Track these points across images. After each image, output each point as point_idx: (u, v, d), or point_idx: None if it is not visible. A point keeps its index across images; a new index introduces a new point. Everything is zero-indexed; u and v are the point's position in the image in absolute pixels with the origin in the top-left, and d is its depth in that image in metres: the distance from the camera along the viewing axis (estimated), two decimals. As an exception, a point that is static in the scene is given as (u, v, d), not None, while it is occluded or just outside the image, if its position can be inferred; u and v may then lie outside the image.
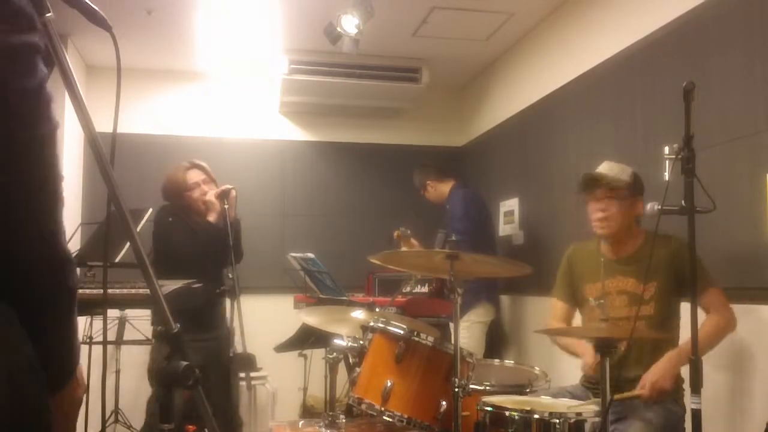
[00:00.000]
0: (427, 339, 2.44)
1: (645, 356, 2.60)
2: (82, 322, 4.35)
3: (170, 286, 2.09)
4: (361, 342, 2.70)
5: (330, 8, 3.97)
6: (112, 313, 4.53)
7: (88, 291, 2.00)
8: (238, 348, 3.32)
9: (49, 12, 0.99)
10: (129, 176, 4.50)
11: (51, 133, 0.92)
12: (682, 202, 2.11)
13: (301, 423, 3.15)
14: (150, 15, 4.37)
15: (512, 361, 3.39)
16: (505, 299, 4.88)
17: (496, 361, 3.25)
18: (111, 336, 4.58)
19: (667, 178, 2.10)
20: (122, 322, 4.64)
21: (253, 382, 4.60)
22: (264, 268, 4.96)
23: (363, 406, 2.44)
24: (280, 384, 4.98)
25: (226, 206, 3.48)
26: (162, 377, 1.08)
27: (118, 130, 1.22)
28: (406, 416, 2.35)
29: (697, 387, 2.04)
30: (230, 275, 3.30)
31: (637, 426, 2.46)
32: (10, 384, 0.88)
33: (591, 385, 2.74)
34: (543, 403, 2.35)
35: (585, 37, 4.01)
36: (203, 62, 5.28)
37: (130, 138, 4.95)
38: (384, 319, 2.59)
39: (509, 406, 2.21)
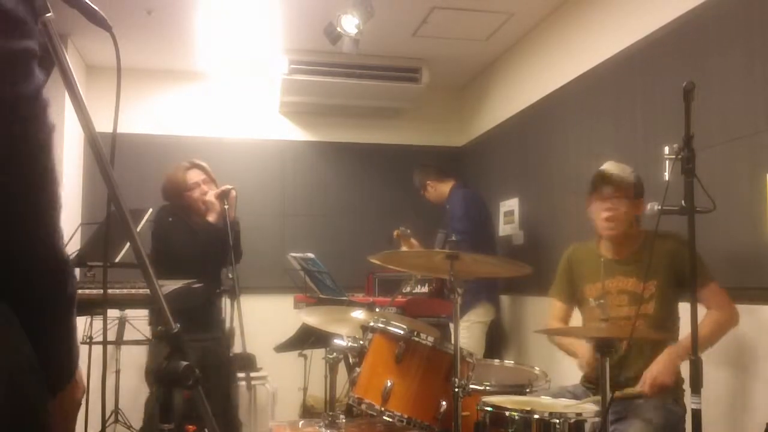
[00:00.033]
0: (427, 339, 2.43)
1: (645, 354, 2.60)
2: (82, 322, 4.35)
3: (170, 286, 2.09)
4: (361, 342, 2.70)
5: (330, 8, 3.97)
6: (112, 313, 4.52)
7: (88, 291, 2.00)
8: (238, 348, 3.32)
9: (49, 12, 0.99)
10: (129, 176, 4.50)
11: (48, 137, 0.92)
12: (682, 202, 2.11)
13: (301, 423, 3.15)
14: (150, 15, 4.37)
15: (512, 361, 3.39)
16: (505, 299, 4.88)
17: (496, 361, 3.25)
18: (111, 336, 4.57)
19: (667, 178, 2.10)
20: (122, 322, 4.64)
21: (253, 382, 4.60)
22: (264, 268, 4.96)
23: (363, 406, 2.44)
24: (280, 384, 4.98)
25: (226, 206, 3.49)
26: (162, 377, 1.08)
27: (118, 130, 1.22)
28: (406, 416, 2.35)
29: (697, 387, 2.04)
30: (230, 275, 3.30)
31: (637, 426, 2.46)
32: (10, 384, 0.88)
33: (591, 386, 2.74)
34: (543, 403, 2.35)
35: (585, 37, 4.01)
36: (203, 62, 5.28)
37: (130, 138, 4.95)
38: (384, 319, 2.59)
39: (509, 406, 2.21)
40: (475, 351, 3.66)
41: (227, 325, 3.42)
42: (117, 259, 2.50)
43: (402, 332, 2.46)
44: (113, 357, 4.84)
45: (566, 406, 2.28)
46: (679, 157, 2.10)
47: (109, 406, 4.65)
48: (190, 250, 3.40)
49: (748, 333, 2.74)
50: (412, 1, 4.23)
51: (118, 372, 4.77)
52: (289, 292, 4.65)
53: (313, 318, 3.05)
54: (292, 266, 4.30)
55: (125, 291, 2.09)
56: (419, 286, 4.46)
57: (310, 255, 4.15)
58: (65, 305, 0.98)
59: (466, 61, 5.30)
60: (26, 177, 0.90)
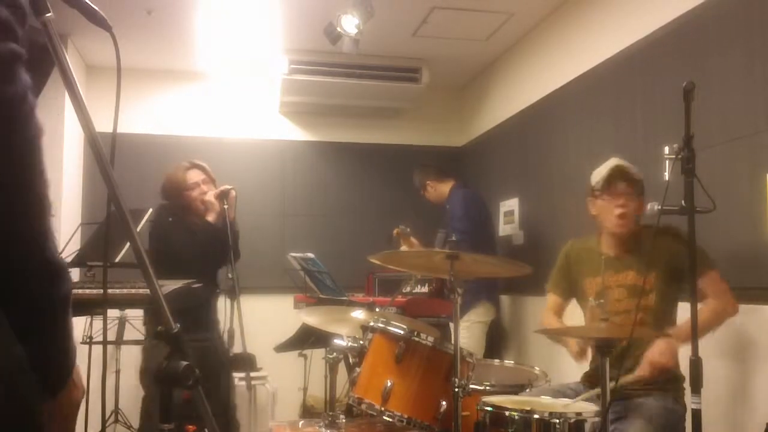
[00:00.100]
0: (427, 339, 2.43)
1: (644, 346, 2.59)
2: (82, 322, 4.35)
3: (170, 286, 2.09)
4: (361, 342, 2.70)
5: (330, 8, 3.97)
6: (112, 313, 4.52)
7: (88, 291, 2.00)
8: (238, 348, 3.32)
9: (49, 12, 0.99)
10: (129, 176, 4.50)
11: (35, 138, 0.92)
12: (682, 202, 2.11)
13: (301, 423, 3.15)
14: (150, 15, 4.37)
15: (512, 361, 3.39)
16: (505, 299, 4.88)
17: (496, 361, 3.25)
18: (111, 336, 4.57)
19: (667, 178, 2.10)
20: (122, 322, 4.64)
21: (253, 382, 4.59)
22: (264, 268, 4.96)
23: (363, 406, 2.44)
24: (280, 384, 4.98)
25: (225, 206, 3.49)
26: (162, 377, 1.08)
27: (118, 130, 1.22)
28: (406, 416, 2.35)
29: (697, 387, 2.04)
30: (230, 275, 3.30)
31: (638, 425, 2.46)
32: (5, 385, 0.88)
33: (591, 386, 2.74)
34: (543, 403, 2.35)
35: (585, 37, 4.01)
36: (203, 62, 5.28)
37: (130, 138, 4.95)
38: (384, 319, 2.59)
39: (509, 406, 2.21)
40: (475, 351, 3.66)
41: (227, 325, 3.42)
42: (117, 259, 2.50)
43: (402, 332, 2.46)
44: (113, 357, 4.84)
45: (566, 405, 2.28)
46: (679, 157, 2.10)
47: (109, 406, 4.65)
48: (190, 250, 3.40)
49: (749, 333, 2.74)
50: (412, 1, 4.23)
51: (118, 372, 4.77)
52: (289, 292, 4.65)
53: (313, 318, 3.05)
54: (292, 266, 4.30)
55: (125, 291, 2.09)
56: (419, 286, 4.46)
57: (310, 255, 4.15)
58: (58, 306, 0.98)
59: (466, 61, 5.30)
60: (13, 178, 0.90)
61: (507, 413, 2.18)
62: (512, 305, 4.88)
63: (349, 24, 3.90)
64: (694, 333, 2.07)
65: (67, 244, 3.35)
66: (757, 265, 2.68)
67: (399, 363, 2.41)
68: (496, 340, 4.74)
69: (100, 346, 4.24)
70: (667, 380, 2.61)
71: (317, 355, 3.99)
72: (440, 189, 4.71)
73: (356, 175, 5.73)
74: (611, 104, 3.71)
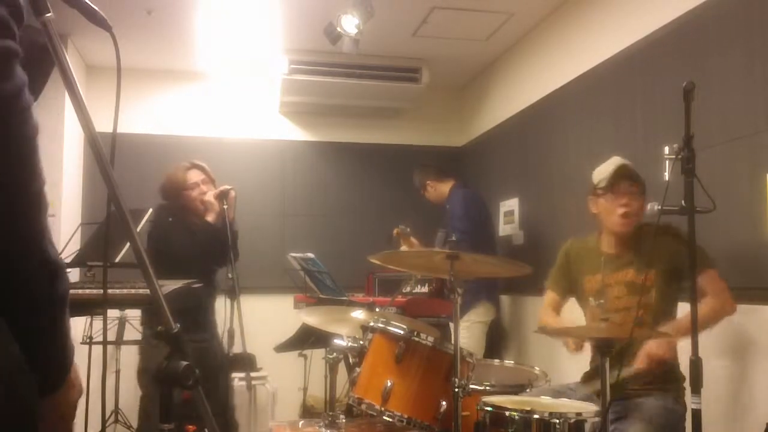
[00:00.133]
0: (427, 339, 2.43)
1: (643, 342, 2.59)
2: (82, 322, 4.35)
3: (170, 286, 2.09)
4: (361, 342, 2.70)
5: (330, 8, 3.97)
6: (112, 313, 4.52)
7: (88, 291, 2.00)
8: (238, 348, 3.32)
9: (49, 12, 0.99)
10: (129, 176, 4.49)
11: (31, 136, 0.91)
12: (682, 202, 2.11)
13: (301, 423, 3.15)
14: (150, 15, 4.37)
15: (512, 361, 3.39)
16: (505, 299, 4.88)
17: (496, 361, 3.25)
18: (111, 336, 4.57)
19: (667, 178, 2.10)
20: (122, 322, 4.64)
21: (253, 382, 4.59)
22: (264, 268, 4.96)
23: (363, 406, 2.44)
24: (280, 384, 4.98)
25: (225, 206, 3.49)
26: (162, 377, 1.08)
27: (118, 130, 1.22)
28: (406, 416, 2.35)
29: (697, 387, 2.04)
30: (230, 275, 3.30)
31: (638, 426, 2.46)
32: (4, 384, 0.88)
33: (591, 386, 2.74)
34: (543, 403, 2.35)
35: (585, 37, 4.01)
36: (203, 62, 5.28)
37: (130, 138, 4.95)
38: (384, 319, 2.59)
39: (509, 406, 2.20)
40: (475, 351, 3.65)
41: (227, 325, 3.42)
42: (117, 259, 2.49)
43: (402, 332, 2.46)
44: (113, 357, 4.84)
45: (566, 405, 2.28)
46: (679, 157, 2.10)
47: (109, 406, 4.65)
48: (189, 250, 3.40)
49: (749, 332, 2.74)
50: (412, 1, 4.23)
51: (118, 372, 4.77)
52: (289, 292, 4.65)
53: (313, 318, 3.05)
54: (292, 266, 4.30)
55: (125, 291, 2.09)
56: (419, 286, 4.46)
57: (310, 255, 4.15)
58: (55, 306, 0.97)
59: (466, 61, 5.30)
60: (9, 177, 0.89)
61: (507, 413, 2.18)
62: (512, 305, 4.88)
63: (349, 24, 3.90)
64: (694, 331, 2.07)
65: (67, 244, 3.34)
66: (757, 265, 2.68)
67: (399, 363, 2.41)
68: (496, 340, 4.74)
69: (100, 346, 4.24)
70: (667, 380, 2.61)
71: (317, 355, 3.99)
72: (440, 189, 4.71)
73: (356, 175, 5.73)
74: (611, 104, 3.71)
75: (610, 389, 2.15)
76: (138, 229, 2.51)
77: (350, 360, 3.14)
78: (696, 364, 2.05)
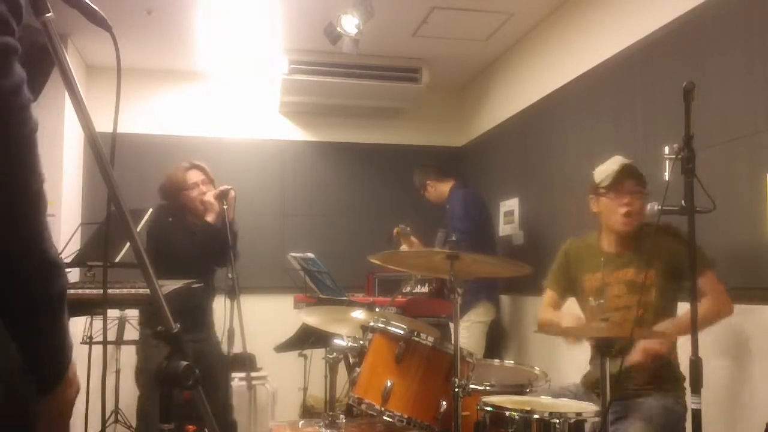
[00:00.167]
0: (427, 339, 2.43)
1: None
2: (82, 322, 4.36)
3: (170, 286, 2.09)
4: (361, 342, 2.69)
5: (330, 8, 3.97)
6: (112, 313, 4.52)
7: (88, 291, 2.00)
8: (238, 348, 3.32)
9: (49, 12, 0.99)
10: (129, 176, 4.49)
11: (30, 134, 0.91)
12: (682, 202, 2.11)
13: (301, 423, 3.15)
14: (150, 15, 4.37)
15: (512, 361, 3.39)
16: (505, 299, 4.88)
17: (496, 361, 3.25)
18: (111, 336, 4.57)
19: (667, 178, 2.10)
20: (122, 322, 4.64)
21: (253, 382, 4.60)
22: (264, 268, 4.96)
23: (363, 406, 2.43)
24: (280, 384, 4.98)
25: (224, 207, 3.48)
26: (162, 377, 1.08)
27: (118, 130, 1.22)
28: (406, 416, 2.35)
29: (697, 387, 2.04)
30: (230, 275, 3.30)
31: (637, 426, 2.46)
32: (4, 384, 0.88)
33: (591, 387, 2.74)
34: (543, 403, 2.35)
35: (585, 37, 4.01)
36: (203, 62, 5.29)
37: (130, 138, 4.95)
38: (384, 319, 2.59)
39: (509, 406, 2.21)
40: (475, 351, 3.66)
41: (227, 325, 3.41)
42: (117, 259, 2.49)
43: (402, 332, 2.45)
44: (113, 357, 4.84)
45: (566, 405, 2.28)
46: (679, 157, 2.10)
47: (109, 406, 4.65)
48: (189, 250, 3.39)
49: (749, 333, 2.74)
50: (412, 1, 4.23)
51: (118, 372, 4.77)
52: (289, 292, 4.65)
53: (313, 318, 3.05)
54: (292, 266, 4.30)
55: (125, 291, 2.09)
56: (419, 286, 4.46)
57: (310, 255, 4.15)
58: (54, 305, 0.97)
59: (466, 61, 5.30)
60: (8, 176, 0.89)
61: (507, 413, 2.18)
62: (512, 305, 4.88)
63: (349, 24, 3.90)
64: (694, 331, 2.07)
65: (67, 244, 3.34)
66: (757, 265, 2.68)
67: (399, 363, 2.41)
68: (496, 340, 4.74)
69: (100, 346, 4.24)
70: (667, 380, 2.61)
71: (317, 355, 3.99)
72: (440, 189, 4.71)
73: (356, 175, 5.73)
74: (611, 104, 3.71)
75: (610, 387, 2.15)
76: (138, 229, 2.51)
77: (350, 360, 3.14)
78: (696, 364, 2.05)
